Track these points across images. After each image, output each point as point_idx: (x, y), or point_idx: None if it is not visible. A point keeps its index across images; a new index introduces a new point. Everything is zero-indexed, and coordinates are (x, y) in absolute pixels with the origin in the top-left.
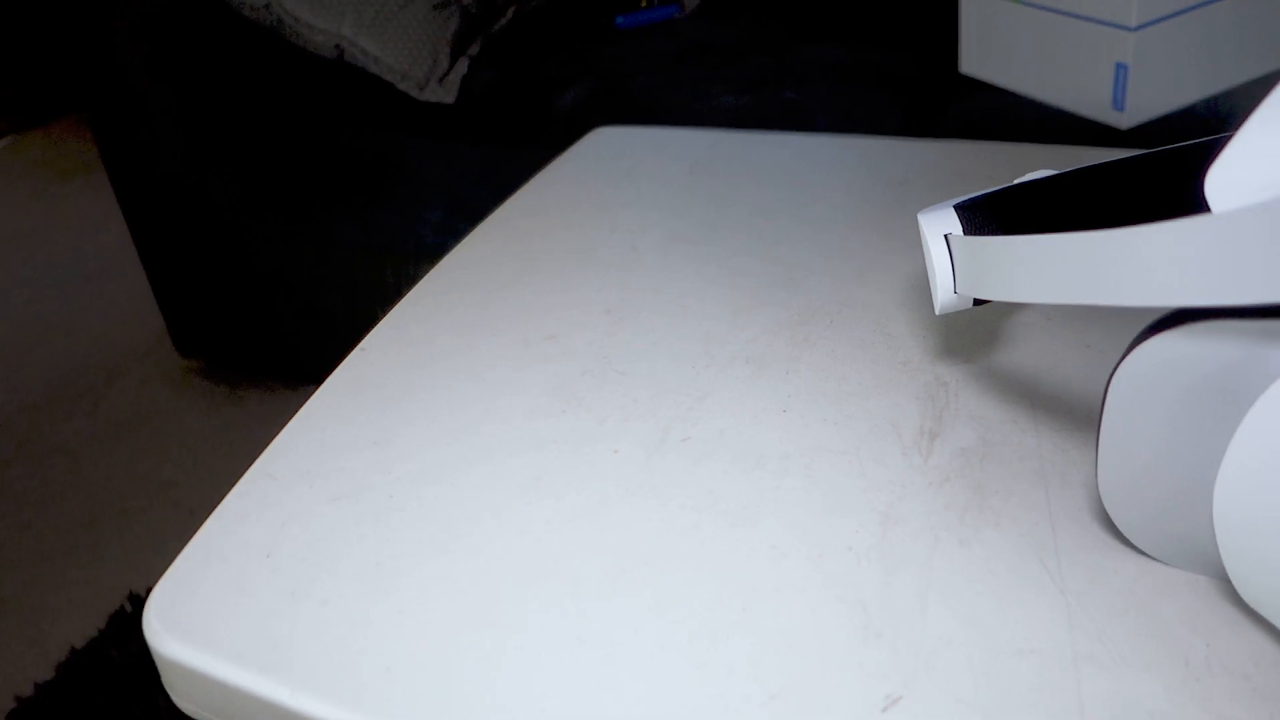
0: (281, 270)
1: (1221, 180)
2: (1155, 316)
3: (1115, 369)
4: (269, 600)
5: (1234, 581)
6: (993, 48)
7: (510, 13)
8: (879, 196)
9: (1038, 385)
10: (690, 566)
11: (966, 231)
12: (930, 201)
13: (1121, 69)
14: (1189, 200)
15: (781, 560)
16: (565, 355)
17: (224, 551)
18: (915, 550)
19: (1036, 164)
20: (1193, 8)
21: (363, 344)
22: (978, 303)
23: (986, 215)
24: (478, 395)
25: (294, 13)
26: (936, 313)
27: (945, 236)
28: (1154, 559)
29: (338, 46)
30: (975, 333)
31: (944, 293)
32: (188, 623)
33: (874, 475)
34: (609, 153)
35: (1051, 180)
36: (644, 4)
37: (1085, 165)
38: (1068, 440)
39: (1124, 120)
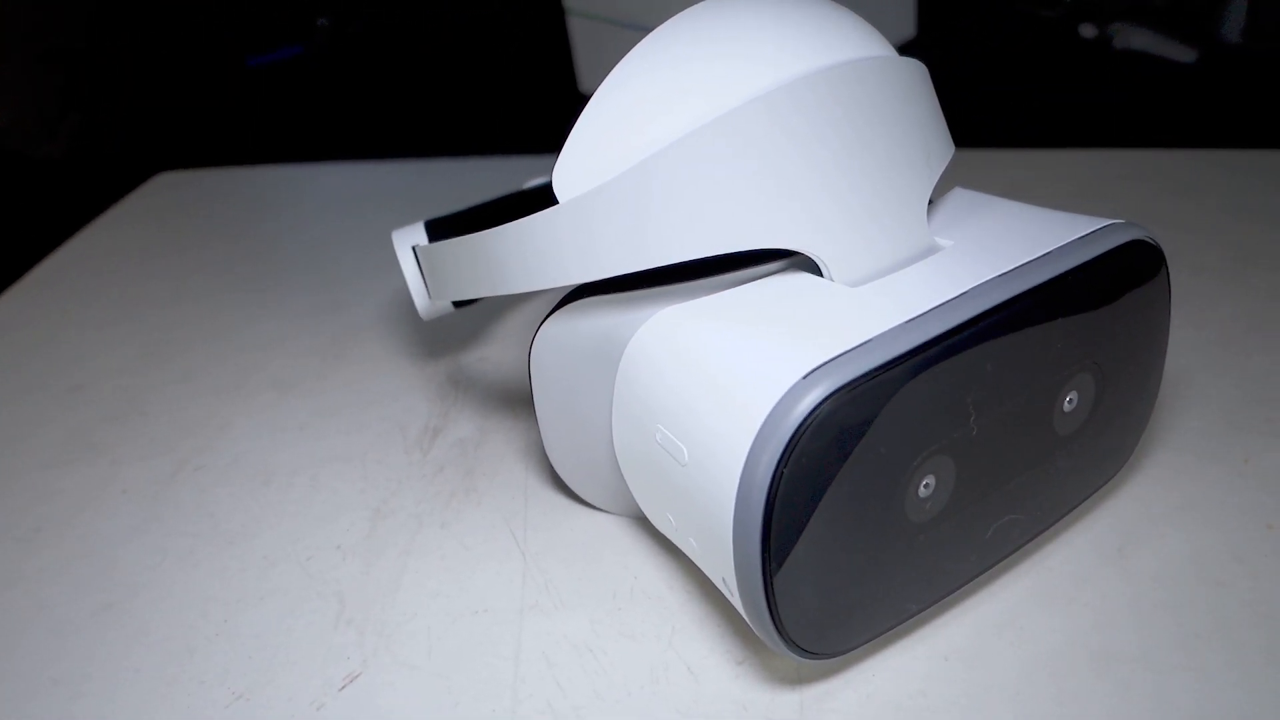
0: None
1: (564, 174)
2: None
3: (529, 349)
4: None
5: (648, 516)
6: (604, 66)
7: (130, 60)
8: (431, 215)
9: None
10: (180, 589)
11: (431, 242)
12: None
13: None
14: None
15: (271, 569)
16: (89, 404)
17: None
18: (398, 538)
19: None
20: None
21: None
22: (459, 305)
23: (450, 227)
24: None
25: None
26: (422, 319)
27: (414, 249)
28: (601, 510)
29: None
30: (486, 331)
31: (419, 299)
32: None
33: (375, 475)
34: (166, 198)
35: (536, 188)
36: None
37: None
38: None
39: None
